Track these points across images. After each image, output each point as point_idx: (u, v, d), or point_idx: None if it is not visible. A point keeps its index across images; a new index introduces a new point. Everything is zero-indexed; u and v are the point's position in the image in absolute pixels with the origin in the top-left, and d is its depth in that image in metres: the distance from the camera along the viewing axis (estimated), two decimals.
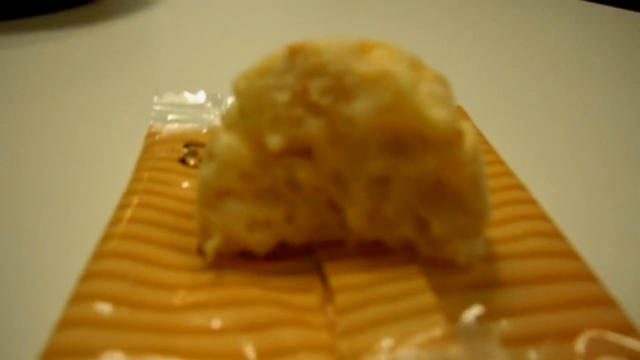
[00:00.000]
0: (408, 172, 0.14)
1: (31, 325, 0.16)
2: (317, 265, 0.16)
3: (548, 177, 0.24)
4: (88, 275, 0.15)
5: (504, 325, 0.13)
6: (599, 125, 0.28)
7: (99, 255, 0.16)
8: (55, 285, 0.17)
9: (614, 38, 0.42)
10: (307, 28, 0.43)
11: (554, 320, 0.14)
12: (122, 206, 0.18)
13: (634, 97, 0.32)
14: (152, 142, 0.23)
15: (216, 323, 0.14)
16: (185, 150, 0.22)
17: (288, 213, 0.16)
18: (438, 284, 0.14)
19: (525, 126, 0.28)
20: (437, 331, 0.13)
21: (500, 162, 0.21)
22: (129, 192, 0.19)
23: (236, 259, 0.16)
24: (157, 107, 0.26)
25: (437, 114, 0.13)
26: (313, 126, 0.14)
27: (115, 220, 0.17)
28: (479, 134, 0.23)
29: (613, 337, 0.13)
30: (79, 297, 0.14)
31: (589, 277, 0.15)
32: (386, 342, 0.12)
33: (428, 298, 0.14)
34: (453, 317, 0.13)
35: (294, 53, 0.14)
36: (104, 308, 0.14)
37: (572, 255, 0.16)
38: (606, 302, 0.14)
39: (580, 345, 0.13)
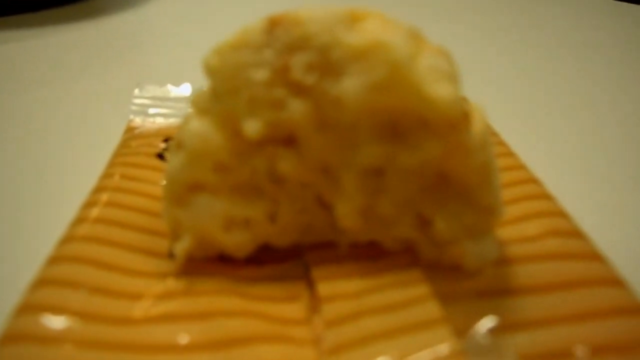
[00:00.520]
0: (407, 162, 0.12)
1: None
2: (305, 270, 0.14)
3: (562, 171, 0.22)
4: (38, 283, 0.13)
5: (521, 339, 0.11)
6: (612, 117, 0.26)
7: (53, 260, 0.14)
8: (4, 292, 0.15)
9: (621, 29, 0.40)
10: None
11: (580, 333, 0.12)
12: (88, 205, 0.16)
13: None
14: (130, 136, 0.21)
15: (183, 339, 0.12)
16: (164, 145, 0.20)
17: (270, 211, 0.14)
18: (443, 291, 0.12)
19: (536, 118, 0.26)
20: (443, 347, 0.11)
21: (511, 154, 0.18)
22: (98, 189, 0.17)
23: (212, 264, 0.14)
24: (138, 101, 0.24)
25: (440, 91, 0.11)
26: (296, 109, 0.12)
27: (78, 221, 0.15)
28: (489, 126, 0.21)
29: None
30: (26, 308, 0.12)
31: (616, 281, 0.13)
32: None
33: (432, 308, 0.12)
34: (461, 330, 0.11)
35: (274, 25, 0.12)
36: (54, 321, 0.12)
37: (596, 256, 0.14)
38: (637, 310, 0.12)
39: None
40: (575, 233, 0.15)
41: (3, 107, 0.28)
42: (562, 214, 0.15)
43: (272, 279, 0.14)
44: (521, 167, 0.18)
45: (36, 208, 0.20)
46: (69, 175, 0.22)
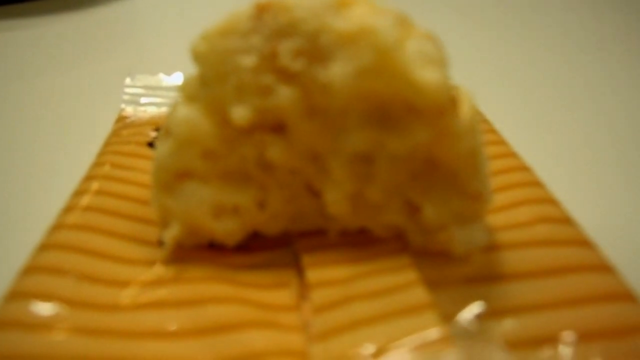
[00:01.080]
0: (395, 148, 0.12)
1: None
2: (294, 258, 0.14)
3: (553, 159, 0.22)
4: (27, 270, 0.13)
5: (509, 324, 0.11)
6: (603, 106, 0.26)
7: (42, 247, 0.14)
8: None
9: (614, 18, 0.40)
10: None
11: (568, 318, 0.12)
12: (78, 193, 0.16)
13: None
14: (121, 126, 0.21)
15: (171, 325, 0.12)
16: (155, 133, 0.20)
17: (260, 199, 0.14)
18: (431, 277, 0.12)
19: (527, 105, 0.26)
20: (430, 333, 0.11)
21: (502, 141, 0.18)
22: (88, 178, 0.17)
23: (202, 251, 0.14)
24: (130, 90, 0.24)
25: (427, 76, 0.11)
26: (285, 96, 0.12)
27: (67, 209, 0.15)
28: (478, 112, 0.21)
29: (636, 336, 0.11)
30: (14, 295, 0.12)
31: (605, 267, 0.13)
32: (367, 347, 0.10)
33: (420, 294, 0.12)
34: (449, 315, 0.11)
35: (262, 10, 0.12)
36: (42, 308, 0.12)
37: (585, 243, 0.14)
38: (626, 296, 0.12)
39: (599, 346, 0.11)
40: (565, 220, 0.15)
41: None
42: (551, 201, 0.15)
43: (261, 266, 0.14)
44: (512, 154, 0.18)
45: (27, 196, 0.20)
46: (60, 165, 0.22)
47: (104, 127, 0.23)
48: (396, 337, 0.11)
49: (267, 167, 0.13)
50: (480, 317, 0.11)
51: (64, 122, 0.26)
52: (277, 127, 0.13)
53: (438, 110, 0.11)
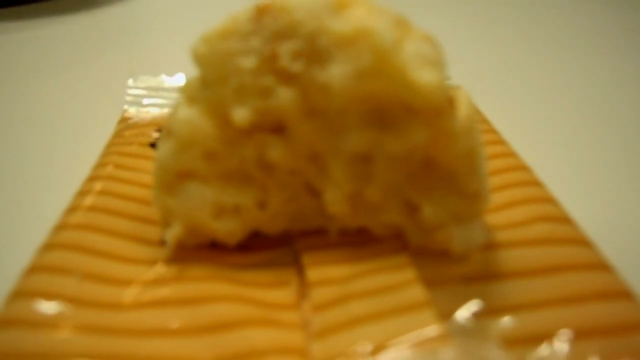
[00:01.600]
0: (394, 149, 0.12)
1: None
2: (295, 257, 0.14)
3: (552, 158, 0.22)
4: (32, 270, 0.13)
5: (505, 322, 0.12)
6: (606, 107, 0.27)
7: (47, 247, 0.14)
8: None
9: (611, 17, 0.40)
10: None
11: (564, 316, 0.12)
12: (82, 193, 0.16)
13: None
14: (123, 127, 0.21)
15: (174, 324, 0.12)
16: (157, 134, 0.20)
17: (260, 198, 0.14)
18: (429, 276, 0.13)
19: (526, 104, 0.26)
20: (427, 331, 0.11)
21: (502, 141, 0.19)
22: (91, 178, 0.17)
23: (204, 250, 0.14)
24: (132, 91, 0.24)
25: (425, 77, 0.11)
26: (284, 97, 0.13)
27: (71, 209, 0.15)
28: (478, 112, 0.21)
29: (633, 335, 0.12)
30: (19, 294, 0.12)
31: (602, 266, 0.13)
32: (365, 345, 0.11)
33: (417, 292, 0.12)
34: (446, 314, 0.12)
35: (261, 12, 0.13)
36: (47, 306, 0.12)
37: (583, 242, 0.14)
38: (623, 294, 0.12)
39: (595, 344, 0.11)
40: (563, 219, 0.15)
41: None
42: (550, 200, 0.16)
43: (262, 265, 0.14)
44: (511, 154, 0.18)
45: (30, 196, 0.20)
46: (63, 165, 0.22)
47: (107, 128, 0.23)
48: (394, 335, 0.11)
49: (268, 167, 0.14)
50: (477, 315, 0.12)
51: (66, 122, 0.26)
52: (277, 128, 0.13)
53: (435, 111, 0.12)
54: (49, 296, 0.12)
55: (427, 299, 0.12)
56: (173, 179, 0.13)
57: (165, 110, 0.23)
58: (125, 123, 0.22)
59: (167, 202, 0.14)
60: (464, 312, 0.12)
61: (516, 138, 0.20)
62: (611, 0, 0.42)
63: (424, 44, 0.12)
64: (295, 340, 0.12)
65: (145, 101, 0.24)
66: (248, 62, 0.13)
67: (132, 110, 0.23)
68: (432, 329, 0.11)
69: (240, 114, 0.13)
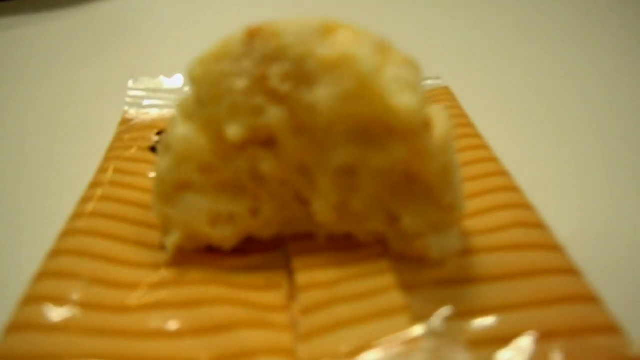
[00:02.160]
0: (376, 164, 0.13)
1: None
2: (286, 260, 0.15)
3: (533, 160, 0.23)
4: (41, 275, 0.14)
5: (475, 324, 0.13)
6: (584, 112, 0.27)
7: (55, 253, 0.15)
8: (9, 285, 0.16)
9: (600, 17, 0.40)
10: (293, 10, 0.41)
11: (532, 318, 0.13)
12: (85, 199, 0.17)
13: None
14: (124, 129, 0.22)
15: (173, 325, 0.13)
16: (157, 138, 0.21)
17: (253, 207, 0.15)
18: (408, 280, 0.14)
19: (515, 110, 0.27)
20: (402, 335, 0.12)
21: (484, 146, 0.19)
22: (94, 184, 0.18)
23: (201, 254, 0.15)
24: (133, 93, 0.25)
25: (403, 101, 0.12)
26: (274, 115, 0.14)
27: (75, 215, 0.16)
28: (463, 115, 0.22)
29: (594, 338, 0.13)
30: (29, 299, 0.14)
31: (571, 271, 0.14)
32: (346, 347, 0.12)
33: (395, 298, 0.13)
34: (421, 316, 0.13)
35: (252, 36, 0.13)
36: (56, 310, 0.13)
37: (554, 247, 0.15)
38: (588, 298, 0.14)
39: (559, 345, 0.12)
40: (538, 224, 0.16)
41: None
42: (526, 206, 0.17)
43: (255, 268, 0.15)
44: (492, 159, 0.19)
45: (33, 197, 0.21)
46: (65, 166, 0.23)
47: (105, 124, 0.24)
48: (373, 338, 0.12)
49: (259, 178, 0.15)
50: (448, 318, 0.13)
51: (65, 121, 0.27)
52: (268, 142, 0.14)
53: (412, 131, 0.12)
54: (58, 301, 0.13)
55: (404, 304, 0.13)
56: (171, 190, 0.14)
57: (165, 112, 0.24)
58: (126, 125, 0.23)
59: (166, 211, 0.15)
60: (438, 315, 0.13)
61: (502, 137, 0.21)
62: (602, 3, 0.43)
63: (403, 69, 0.13)
64: (285, 341, 0.13)
65: (145, 102, 0.25)
66: (240, 83, 0.13)
67: (132, 112, 0.24)
68: (407, 333, 0.12)
69: (233, 131, 0.14)
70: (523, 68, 0.32)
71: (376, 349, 0.12)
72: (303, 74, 0.13)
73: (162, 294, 0.14)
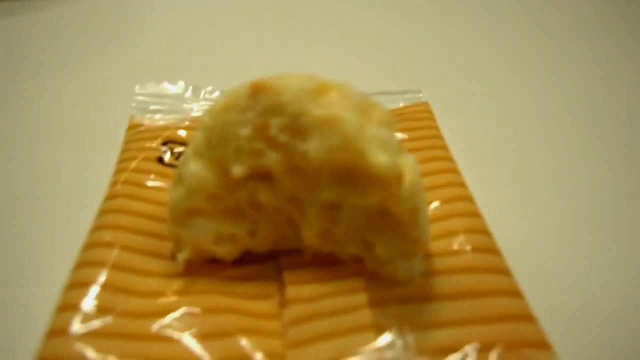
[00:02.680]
0: (355, 202, 0.16)
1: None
2: (278, 272, 0.18)
3: (503, 185, 0.25)
4: (70, 286, 0.17)
5: (429, 337, 0.16)
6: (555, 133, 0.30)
7: (81, 265, 0.18)
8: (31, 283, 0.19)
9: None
10: (290, 20, 0.42)
11: (476, 333, 0.16)
12: (103, 212, 0.20)
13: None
14: (131, 138, 0.24)
15: (184, 330, 0.16)
16: (164, 148, 0.24)
17: (252, 229, 0.18)
18: (378, 297, 0.17)
19: (493, 125, 0.30)
20: (368, 347, 0.15)
21: (454, 170, 0.22)
22: (109, 197, 0.21)
23: (207, 265, 0.18)
24: (139, 98, 0.27)
25: (379, 159, 0.15)
26: (272, 158, 0.16)
27: (96, 228, 0.19)
28: (438, 137, 0.24)
29: (527, 351, 0.15)
30: (64, 308, 0.16)
31: (515, 293, 0.17)
32: (326, 357, 0.15)
33: (366, 316, 0.16)
34: (386, 329, 0.16)
35: (256, 91, 0.16)
36: (88, 318, 0.16)
37: (504, 271, 0.18)
38: (526, 317, 0.16)
39: (497, 355, 0.15)
40: (493, 250, 0.19)
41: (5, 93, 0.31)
42: (485, 232, 0.19)
43: (252, 279, 0.18)
44: (459, 184, 0.21)
45: (42, 193, 0.24)
46: (73, 167, 0.26)
47: (112, 128, 0.26)
48: (346, 350, 0.15)
49: (258, 206, 0.17)
50: (408, 331, 0.16)
51: (70, 121, 0.29)
52: (266, 178, 0.17)
53: (387, 183, 0.15)
54: (88, 308, 0.16)
55: (372, 322, 0.16)
56: (183, 215, 0.17)
57: (170, 117, 0.26)
58: (134, 130, 0.25)
59: (179, 232, 0.17)
60: (400, 328, 0.16)
61: (476, 152, 0.23)
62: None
63: (382, 129, 0.15)
64: (277, 347, 0.16)
65: (152, 107, 0.27)
66: (244, 131, 0.16)
67: (139, 117, 0.26)
68: (373, 345, 0.15)
69: (238, 170, 0.16)
70: (507, 80, 0.34)
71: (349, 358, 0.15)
72: (298, 127, 0.16)
73: (174, 303, 0.17)
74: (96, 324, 0.16)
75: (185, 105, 0.27)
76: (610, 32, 0.39)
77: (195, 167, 0.17)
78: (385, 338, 0.15)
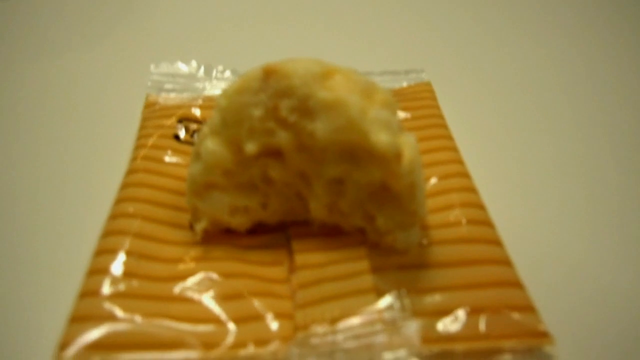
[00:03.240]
0: (358, 178, 0.18)
1: (53, 296, 0.19)
2: (287, 240, 0.20)
3: (501, 162, 0.27)
4: (98, 252, 0.19)
5: (424, 300, 0.17)
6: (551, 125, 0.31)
7: (106, 233, 0.19)
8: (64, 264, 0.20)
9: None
10: (297, 5, 0.42)
11: (467, 297, 0.18)
12: (125, 185, 0.21)
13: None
14: (148, 115, 0.26)
15: (203, 293, 0.18)
16: (179, 125, 0.25)
17: (263, 202, 0.19)
18: (378, 264, 0.18)
19: (494, 105, 0.30)
20: (370, 308, 0.17)
21: (452, 148, 0.24)
22: (130, 171, 0.22)
23: (222, 234, 0.20)
24: (154, 77, 0.29)
25: (381, 138, 0.16)
26: (282, 137, 0.18)
27: (119, 200, 0.21)
28: (439, 115, 0.26)
29: (514, 314, 0.17)
30: (93, 272, 0.18)
31: (504, 262, 0.19)
32: (330, 315, 0.16)
33: (367, 280, 0.17)
34: (385, 292, 0.17)
35: (268, 75, 0.17)
36: (113, 281, 0.18)
37: (496, 242, 0.19)
38: (514, 283, 0.18)
39: (485, 317, 0.17)
40: (486, 222, 0.20)
41: (20, 74, 0.32)
42: (479, 205, 0.21)
43: (263, 247, 0.20)
44: (457, 161, 0.23)
45: (63, 175, 0.25)
46: (92, 141, 0.27)
47: (127, 105, 0.27)
48: (349, 310, 0.17)
49: (269, 181, 0.19)
50: (405, 295, 0.17)
51: (86, 100, 0.30)
52: (276, 154, 0.18)
53: (387, 161, 0.17)
54: (116, 272, 0.18)
55: (373, 285, 0.17)
56: (201, 189, 0.19)
57: (184, 95, 0.27)
58: (150, 109, 0.27)
59: (196, 204, 0.19)
60: (397, 292, 0.17)
61: (477, 131, 0.24)
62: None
63: (384, 110, 0.17)
64: (286, 307, 0.17)
65: (166, 86, 0.28)
66: (257, 112, 0.17)
67: (154, 95, 0.27)
68: (374, 307, 0.17)
69: (250, 147, 0.18)
70: (510, 61, 0.34)
71: (351, 318, 0.16)
72: (306, 109, 0.17)
73: (193, 268, 0.18)
74: (122, 286, 0.17)
75: (197, 84, 0.29)
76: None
77: (211, 145, 0.18)
78: (385, 300, 0.17)
